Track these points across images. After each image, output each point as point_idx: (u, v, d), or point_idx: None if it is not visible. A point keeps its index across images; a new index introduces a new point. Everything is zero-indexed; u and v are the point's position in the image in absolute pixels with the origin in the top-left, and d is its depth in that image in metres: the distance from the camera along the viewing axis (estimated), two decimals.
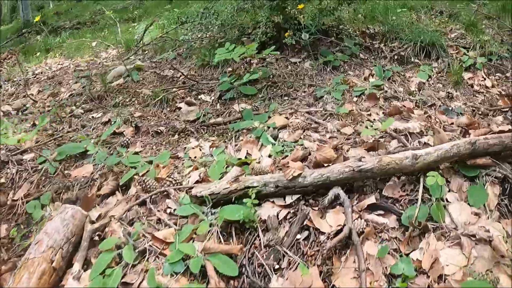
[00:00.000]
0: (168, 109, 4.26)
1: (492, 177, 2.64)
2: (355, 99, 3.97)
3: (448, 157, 2.66)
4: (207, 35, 5.19)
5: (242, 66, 4.54)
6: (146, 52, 6.01)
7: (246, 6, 4.70)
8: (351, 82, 4.12)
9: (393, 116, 3.54)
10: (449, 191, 2.61)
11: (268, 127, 3.51)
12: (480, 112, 3.76)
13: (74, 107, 4.62)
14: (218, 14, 4.87)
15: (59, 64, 6.61)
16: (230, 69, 4.68)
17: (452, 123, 3.42)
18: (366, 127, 3.20)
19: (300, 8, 4.44)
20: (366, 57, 4.66)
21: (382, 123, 3.12)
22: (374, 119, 3.49)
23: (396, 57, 4.62)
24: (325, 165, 2.69)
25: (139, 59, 5.84)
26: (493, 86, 4.27)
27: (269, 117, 3.68)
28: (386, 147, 3.01)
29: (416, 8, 6.06)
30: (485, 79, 4.44)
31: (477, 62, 4.60)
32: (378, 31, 5.15)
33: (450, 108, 3.77)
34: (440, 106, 3.86)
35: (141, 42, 6.02)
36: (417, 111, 3.69)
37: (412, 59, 4.62)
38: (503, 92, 4.15)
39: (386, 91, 4.04)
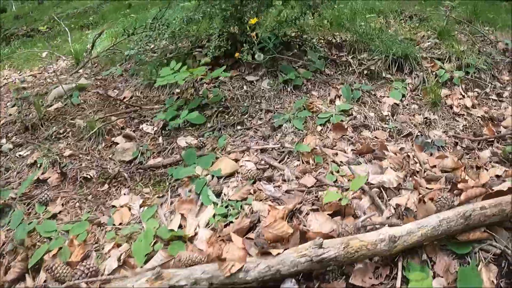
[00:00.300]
0: (103, 144, 3.34)
1: (487, 252, 1.87)
2: (319, 128, 3.11)
3: (436, 235, 1.83)
4: (156, 49, 4.25)
5: (191, 87, 3.64)
6: (96, 65, 5.03)
7: (196, 17, 3.78)
8: (315, 106, 3.25)
9: (364, 155, 2.72)
10: (434, 275, 1.83)
11: (213, 176, 2.65)
12: (464, 146, 2.95)
13: (4, 141, 3.68)
14: (168, 25, 3.93)
15: (5, 78, 5.57)
16: (178, 90, 3.78)
17: (435, 166, 2.62)
18: (330, 188, 2.39)
19: (255, 23, 3.54)
20: (332, 73, 3.79)
21: (351, 184, 2.24)
22: (341, 162, 2.65)
23: (365, 72, 3.76)
24: (275, 253, 1.83)
25: (86, 74, 4.85)
26: (473, 106, 3.47)
27: (217, 158, 2.83)
28: (355, 212, 2.19)
29: (385, 12, 5.20)
30: (463, 96, 3.63)
31: (454, 77, 3.77)
32: (346, 40, 4.28)
33: (430, 141, 2.94)
34: (417, 136, 3.05)
35: (90, 54, 5.04)
36: (391, 146, 2.84)
37: (383, 74, 3.76)
38: (485, 115, 3.38)
39: (355, 117, 3.16)
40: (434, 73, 3.77)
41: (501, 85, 3.86)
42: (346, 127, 3.01)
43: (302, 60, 3.81)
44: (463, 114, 3.32)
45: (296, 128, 3.08)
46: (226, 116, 3.34)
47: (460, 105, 3.40)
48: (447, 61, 3.95)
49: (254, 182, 2.53)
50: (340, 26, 4.80)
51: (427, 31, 4.92)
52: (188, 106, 3.40)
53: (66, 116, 3.80)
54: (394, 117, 3.20)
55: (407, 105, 3.40)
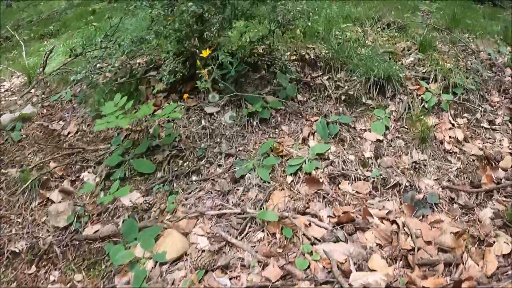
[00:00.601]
0: (38, 200, 2.57)
1: None
2: (289, 178, 2.38)
3: None
4: (108, 70, 3.41)
5: (140, 124, 2.85)
6: (49, 84, 4.18)
7: (148, 37, 2.95)
8: (284, 149, 2.45)
9: (343, 226, 2.01)
10: None
11: (156, 262, 1.93)
12: (461, 203, 2.17)
13: None
14: (120, 45, 3.10)
15: None
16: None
17: (430, 242, 1.86)
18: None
19: (216, 43, 2.75)
20: (305, 99, 2.97)
21: None
22: (315, 239, 1.86)
23: (343, 97, 3.02)
24: None
25: (37, 95, 3.99)
26: (466, 139, 2.72)
27: (164, 228, 2.11)
28: None
29: (361, 20, 4.43)
30: (453, 125, 2.91)
31: (442, 101, 2.96)
32: (321, 56, 3.52)
33: (422, 197, 2.17)
34: (406, 190, 2.34)
35: (43, 72, 4.17)
36: (376, 209, 2.04)
37: (363, 99, 2.92)
38: (480, 152, 2.69)
39: (332, 162, 2.35)
40: (420, 97, 3.07)
41: (492, 109, 3.15)
42: (321, 179, 2.21)
43: (271, 85, 3.04)
44: (456, 152, 2.60)
45: (261, 179, 2.37)
46: (180, 162, 2.55)
47: (451, 139, 2.66)
48: (432, 80, 3.24)
49: (206, 272, 1.83)
50: (314, 37, 4.03)
51: (406, 41, 4.18)
52: (136, 150, 2.63)
53: (4, 157, 2.99)
54: (378, 161, 2.39)
55: (391, 141, 2.63)
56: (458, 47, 4.14)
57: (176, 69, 2.82)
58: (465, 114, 2.99)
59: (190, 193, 2.32)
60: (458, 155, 2.55)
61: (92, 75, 3.13)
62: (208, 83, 2.55)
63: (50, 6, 6.80)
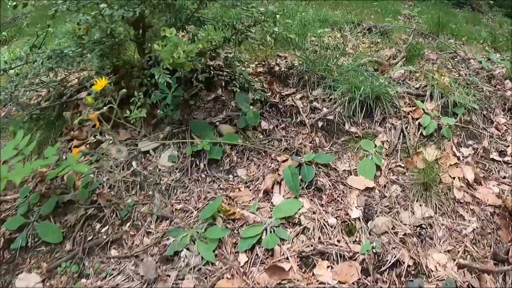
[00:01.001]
0: None
1: None
2: (242, 258, 1.38)
3: None
4: (36, 89, 2.43)
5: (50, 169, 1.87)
6: None
7: (66, 51, 1.97)
8: (237, 212, 1.49)
9: None
10: None
11: None
12: None
13: None
14: (35, 61, 2.11)
15: None
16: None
17: None
18: None
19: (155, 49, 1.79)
20: (272, 127, 1.95)
21: None
22: None
23: (321, 123, 2.07)
24: None
25: None
26: (477, 181, 1.76)
27: None
28: None
29: (339, 24, 3.53)
30: (459, 158, 2.06)
31: (442, 125, 2.06)
32: (293, 67, 2.60)
33: None
34: (410, 275, 1.34)
35: None
36: None
37: (346, 126, 1.96)
38: (498, 201, 1.68)
39: (304, 229, 1.42)
40: (416, 122, 2.23)
41: (499, 133, 2.32)
42: (288, 261, 1.30)
43: (227, 109, 2.11)
44: (468, 202, 1.74)
45: (202, 258, 1.49)
46: (97, 226, 1.56)
47: (460, 182, 1.84)
48: (428, 98, 2.36)
49: None
50: (286, 43, 3.11)
51: (390, 48, 3.29)
52: (42, 209, 1.69)
53: None
54: (369, 224, 1.46)
55: (385, 187, 1.67)
56: (446, 55, 3.28)
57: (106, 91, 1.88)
58: (470, 142, 2.13)
59: (105, 277, 1.42)
60: (471, 207, 1.69)
61: (14, 97, 2.16)
62: (143, 112, 1.63)
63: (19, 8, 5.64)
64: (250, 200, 1.56)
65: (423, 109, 2.09)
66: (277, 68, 2.40)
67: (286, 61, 2.53)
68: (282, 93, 2.16)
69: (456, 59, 3.18)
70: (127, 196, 1.67)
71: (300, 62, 2.38)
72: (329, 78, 2.21)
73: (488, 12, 5.22)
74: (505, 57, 3.37)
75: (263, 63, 2.52)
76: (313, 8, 3.55)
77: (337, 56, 2.51)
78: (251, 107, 1.96)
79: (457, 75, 2.71)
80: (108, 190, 1.69)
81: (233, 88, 2.03)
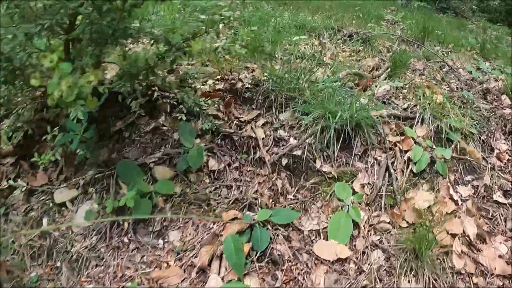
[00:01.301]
0: None
1: None
2: None
3: None
4: None
5: None
6: None
7: None
8: None
9: None
10: None
11: None
12: None
13: None
14: None
15: None
16: None
17: None
18: None
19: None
20: (222, 167, 1.34)
21: None
22: None
23: (285, 160, 1.46)
24: None
25: None
26: (480, 238, 1.21)
27: None
28: None
29: (318, 30, 2.94)
30: (457, 202, 1.51)
31: (436, 158, 1.49)
32: (260, 83, 2.04)
33: None
34: None
35: None
36: None
37: (317, 164, 1.38)
38: (508, 270, 1.31)
39: None
40: (403, 154, 1.55)
41: (502, 164, 1.79)
42: None
43: (167, 144, 1.55)
44: (471, 274, 1.16)
45: None
46: None
47: (461, 248, 1.18)
48: (418, 121, 1.79)
49: None
50: (257, 52, 2.54)
51: (373, 57, 2.73)
52: None
53: None
54: None
55: (364, 253, 1.10)
56: (433, 64, 2.74)
57: (18, 125, 1.33)
58: (468, 177, 1.59)
59: None
60: (474, 279, 1.18)
61: None
62: (57, 153, 1.09)
63: None
64: (179, 283, 1.03)
65: (413, 138, 1.55)
66: (239, 84, 1.83)
67: (253, 75, 1.97)
68: (241, 119, 1.60)
69: (444, 69, 2.64)
70: (32, 267, 1.13)
71: (265, 77, 1.82)
72: (301, 98, 1.67)
73: (471, 17, 4.66)
74: (495, 66, 2.84)
75: (226, 77, 1.95)
76: (290, 13, 2.97)
77: (312, 69, 1.95)
78: (198, 140, 1.40)
79: (448, 89, 2.16)
80: (11, 257, 1.14)
81: (179, 113, 1.48)
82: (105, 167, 1.31)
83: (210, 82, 1.85)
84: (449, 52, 2.93)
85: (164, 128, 1.46)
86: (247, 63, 2.17)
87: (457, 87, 2.21)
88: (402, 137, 1.52)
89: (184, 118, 1.43)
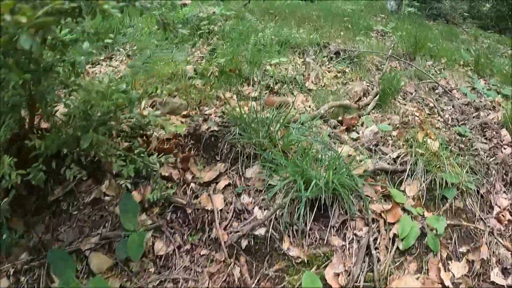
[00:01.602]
0: None
1: None
2: None
3: None
4: None
5: None
6: None
7: None
8: None
9: None
10: None
11: None
12: None
13: None
14: None
15: None
16: None
17: None
18: None
19: None
20: (171, 252, 0.97)
21: None
22: None
23: (245, 243, 1.03)
24: None
25: None
26: None
27: None
28: None
29: (303, 46, 2.49)
30: None
31: (426, 230, 1.12)
32: (228, 123, 1.63)
33: None
34: None
35: None
36: None
37: (284, 246, 1.02)
38: None
39: None
40: (390, 227, 1.24)
41: (503, 228, 1.40)
42: None
43: (106, 223, 1.15)
44: None
45: None
46: None
47: None
48: (408, 176, 1.46)
49: None
50: (236, 77, 2.13)
51: (361, 79, 2.32)
52: None
53: None
54: None
55: None
56: (425, 84, 2.33)
57: None
58: (463, 248, 1.23)
59: None
60: None
61: None
62: None
63: None
64: None
65: (401, 204, 1.20)
66: (204, 127, 1.45)
67: (223, 112, 1.58)
68: (200, 180, 1.24)
69: (437, 91, 2.25)
70: None
71: (234, 119, 1.44)
72: (271, 150, 1.30)
73: (462, 23, 4.13)
74: (491, 86, 2.43)
75: (192, 114, 1.57)
76: (273, 26, 2.52)
77: (288, 104, 1.57)
78: (143, 216, 1.06)
79: (443, 122, 1.78)
80: None
81: (122, 182, 1.12)
82: (37, 253, 0.98)
83: (173, 120, 1.48)
84: (442, 69, 2.51)
85: (107, 198, 1.10)
86: (220, 90, 1.78)
87: (452, 118, 1.83)
88: (388, 206, 1.17)
89: (129, 186, 1.07)
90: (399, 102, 1.95)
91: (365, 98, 1.92)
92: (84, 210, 1.08)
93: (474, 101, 2.09)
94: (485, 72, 2.56)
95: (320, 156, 1.22)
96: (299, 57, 2.29)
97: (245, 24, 2.49)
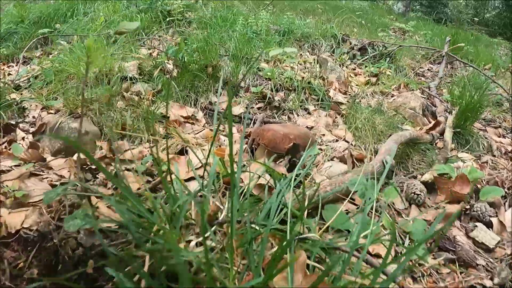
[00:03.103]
0: None
1: None
2: None
3: None
4: None
5: None
6: None
7: None
8: None
9: None
10: None
11: None
12: None
13: None
14: None
15: None
16: None
17: None
18: None
19: None
20: None
21: None
22: None
23: None
24: None
25: None
26: None
27: None
28: None
29: (312, 38, 1.53)
30: None
31: None
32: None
33: None
34: None
35: None
36: None
37: None
38: None
39: None
40: None
41: None
42: None
43: None
44: None
45: None
46: None
47: None
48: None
49: None
50: (210, 78, 1.24)
51: (407, 86, 1.49)
52: None
53: None
54: None
55: None
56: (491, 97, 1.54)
57: None
58: None
59: None
60: None
61: None
62: None
63: None
64: None
65: None
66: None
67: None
68: None
69: (503, 108, 1.46)
70: None
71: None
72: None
73: (469, 29, 3.50)
74: None
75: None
76: (271, 12, 1.66)
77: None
78: None
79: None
80: None
81: None
82: None
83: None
84: (492, 77, 1.75)
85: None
86: (174, 103, 0.87)
87: None
88: None
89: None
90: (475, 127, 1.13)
91: (425, 119, 1.08)
92: None
93: None
94: None
95: None
96: (309, 52, 1.43)
97: (231, 9, 1.61)
